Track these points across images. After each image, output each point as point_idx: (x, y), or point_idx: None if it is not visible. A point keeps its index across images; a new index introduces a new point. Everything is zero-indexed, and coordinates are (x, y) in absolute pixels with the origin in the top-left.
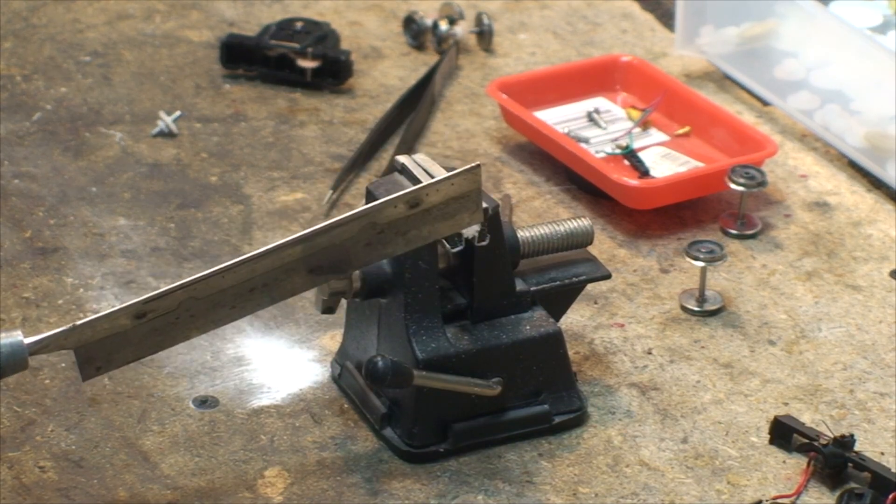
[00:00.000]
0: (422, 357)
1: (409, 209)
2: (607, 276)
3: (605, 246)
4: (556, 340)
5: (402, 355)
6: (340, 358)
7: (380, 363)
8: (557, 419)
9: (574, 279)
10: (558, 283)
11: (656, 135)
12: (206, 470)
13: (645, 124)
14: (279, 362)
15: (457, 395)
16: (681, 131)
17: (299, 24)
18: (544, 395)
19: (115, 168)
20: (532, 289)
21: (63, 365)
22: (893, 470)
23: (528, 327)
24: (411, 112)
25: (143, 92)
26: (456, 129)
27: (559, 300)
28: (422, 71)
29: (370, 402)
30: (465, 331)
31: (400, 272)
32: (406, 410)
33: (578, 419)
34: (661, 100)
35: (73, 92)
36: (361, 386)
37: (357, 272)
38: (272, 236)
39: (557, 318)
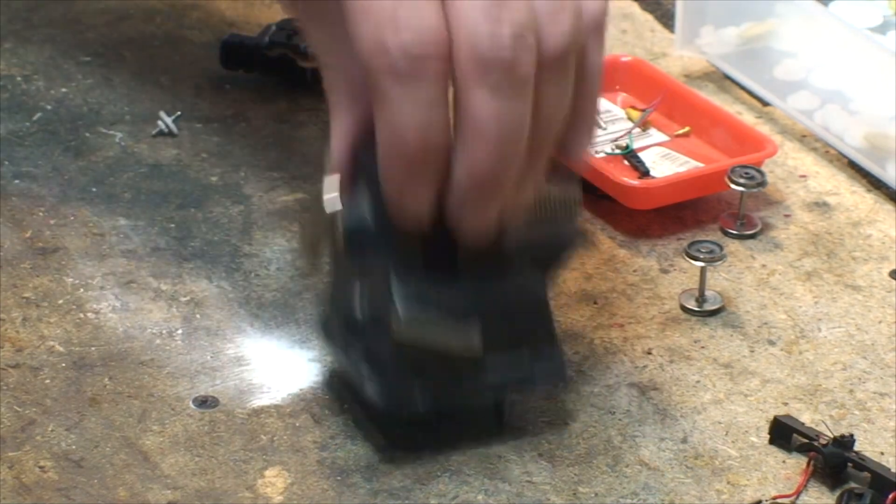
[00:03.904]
0: (404, 313)
1: None
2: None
3: (605, 246)
4: (540, 297)
5: (383, 310)
6: (325, 311)
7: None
8: (539, 378)
9: (562, 235)
10: (546, 237)
11: (656, 135)
12: (206, 470)
13: (645, 124)
14: (279, 362)
15: (437, 353)
16: (681, 131)
17: None
18: (526, 352)
19: (116, 168)
20: (519, 244)
21: (63, 365)
22: (893, 470)
23: (513, 283)
24: None
25: (143, 92)
26: None
27: (547, 256)
28: None
29: (347, 359)
30: (448, 286)
31: (384, 224)
32: (383, 369)
33: (559, 374)
34: (661, 100)
35: (73, 92)
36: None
37: (341, 224)
38: (272, 236)
39: (547, 279)
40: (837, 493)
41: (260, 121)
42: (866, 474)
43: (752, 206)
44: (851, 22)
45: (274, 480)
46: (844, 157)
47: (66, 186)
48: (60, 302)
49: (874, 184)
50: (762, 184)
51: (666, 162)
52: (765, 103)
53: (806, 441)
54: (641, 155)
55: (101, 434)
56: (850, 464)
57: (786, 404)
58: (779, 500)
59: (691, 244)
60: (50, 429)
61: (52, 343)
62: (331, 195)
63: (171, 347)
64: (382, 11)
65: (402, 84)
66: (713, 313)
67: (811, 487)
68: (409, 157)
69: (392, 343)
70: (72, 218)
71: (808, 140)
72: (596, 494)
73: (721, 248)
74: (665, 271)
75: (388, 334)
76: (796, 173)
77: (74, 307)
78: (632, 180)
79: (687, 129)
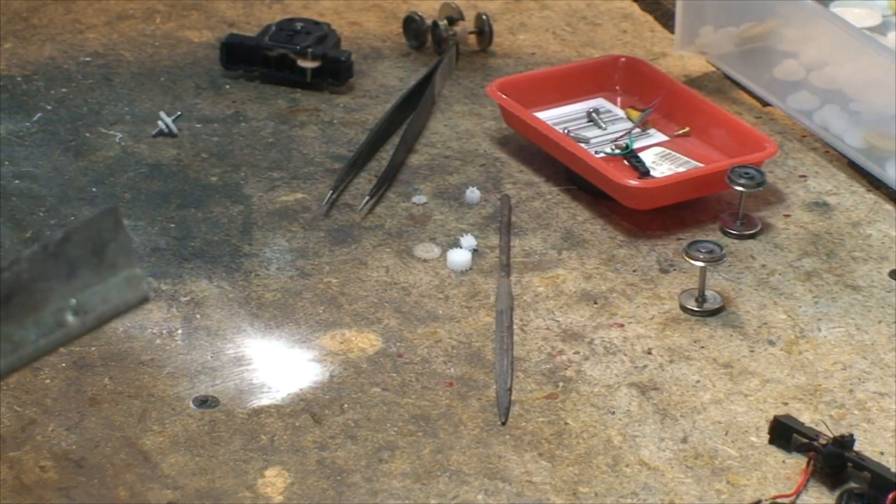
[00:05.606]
0: None
1: None
2: None
3: (605, 246)
4: None
5: None
6: None
7: None
8: None
9: None
10: None
11: (656, 135)
12: (206, 470)
13: (644, 124)
14: (279, 362)
15: None
16: (680, 132)
17: (299, 25)
18: None
19: (116, 168)
20: None
21: (63, 365)
22: (893, 470)
23: None
24: (411, 112)
25: (143, 92)
26: (456, 129)
27: None
28: (422, 71)
29: None
30: None
31: None
32: None
33: None
34: (660, 100)
35: (73, 92)
36: None
37: None
38: (272, 236)
39: None
40: (837, 493)
41: (260, 121)
42: (866, 474)
43: (752, 206)
44: (851, 22)
45: (274, 480)
46: (844, 157)
47: (66, 186)
48: None
49: (874, 184)
50: (762, 184)
51: (666, 162)
52: (765, 103)
53: (806, 441)
54: (641, 155)
55: (101, 434)
56: (849, 464)
57: (786, 404)
58: (779, 500)
59: (691, 244)
60: (50, 429)
61: None
62: None
63: (171, 347)
64: None
65: None
66: (713, 313)
67: (811, 487)
68: None
69: None
70: (72, 218)
71: (808, 140)
72: (596, 494)
73: (721, 248)
74: (665, 271)
75: None
76: (796, 173)
77: None
78: (632, 180)
79: (687, 129)
